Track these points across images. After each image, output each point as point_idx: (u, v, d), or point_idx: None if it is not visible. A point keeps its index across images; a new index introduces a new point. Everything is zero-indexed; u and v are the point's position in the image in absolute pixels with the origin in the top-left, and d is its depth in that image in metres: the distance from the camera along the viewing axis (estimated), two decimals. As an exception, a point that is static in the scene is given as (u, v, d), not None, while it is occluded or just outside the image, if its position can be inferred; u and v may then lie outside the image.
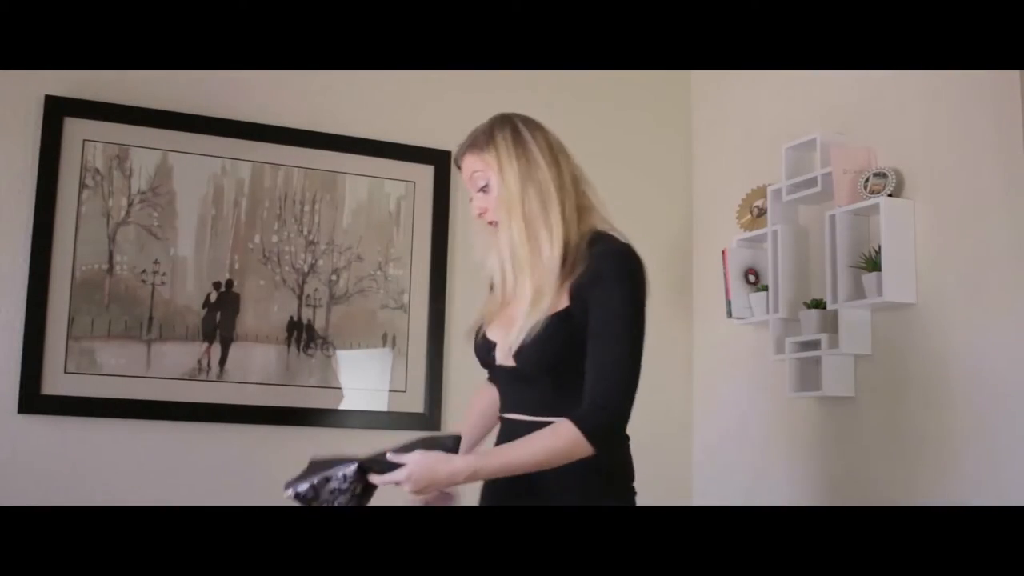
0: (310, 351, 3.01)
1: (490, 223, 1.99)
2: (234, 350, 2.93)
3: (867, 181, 2.68)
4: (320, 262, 3.05)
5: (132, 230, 2.87)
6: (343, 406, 3.02)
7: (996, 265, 2.42)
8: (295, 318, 3.01)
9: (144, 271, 2.87)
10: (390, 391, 3.07)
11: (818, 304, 2.79)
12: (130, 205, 2.88)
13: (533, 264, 1.91)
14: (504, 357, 1.95)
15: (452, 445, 1.85)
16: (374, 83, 3.16)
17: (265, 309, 2.98)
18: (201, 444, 2.86)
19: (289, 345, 2.99)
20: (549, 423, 1.85)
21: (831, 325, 2.75)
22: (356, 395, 3.03)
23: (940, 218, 2.57)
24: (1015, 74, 2.37)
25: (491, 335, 2.02)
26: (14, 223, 2.77)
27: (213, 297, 2.93)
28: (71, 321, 2.78)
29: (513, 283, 1.95)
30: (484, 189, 1.97)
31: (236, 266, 2.96)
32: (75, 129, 2.84)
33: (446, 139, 3.17)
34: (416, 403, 3.08)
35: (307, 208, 3.06)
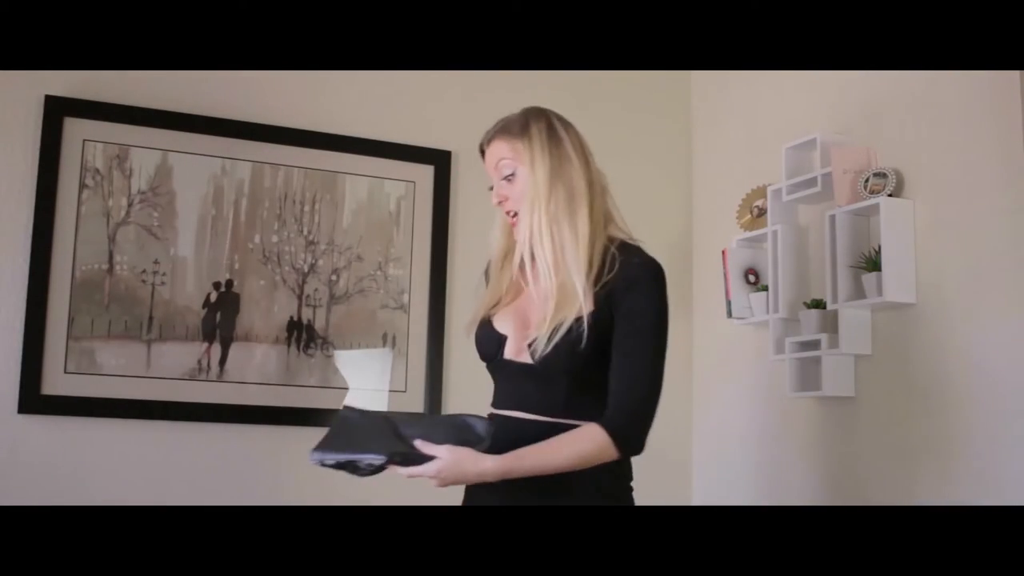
0: (310, 351, 3.01)
1: (508, 212, 1.96)
2: (234, 350, 2.93)
3: (867, 181, 2.68)
4: (320, 262, 3.05)
5: (132, 230, 2.87)
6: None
7: (996, 265, 2.42)
8: (295, 318, 3.01)
9: (144, 271, 2.87)
10: (390, 391, 3.07)
11: (818, 304, 2.79)
12: (130, 205, 2.88)
13: (555, 262, 1.89)
14: (517, 353, 1.93)
15: (484, 432, 1.82)
16: (374, 83, 3.16)
17: (265, 309, 2.98)
18: (201, 444, 2.86)
19: (289, 345, 2.99)
20: (566, 425, 1.85)
21: (831, 325, 2.75)
22: (356, 395, 3.03)
23: (940, 218, 2.57)
24: (1015, 74, 2.37)
25: (500, 327, 1.97)
26: (14, 223, 2.77)
27: (213, 297, 2.93)
28: (71, 321, 2.78)
29: (531, 277, 1.92)
30: (509, 178, 1.94)
31: (236, 266, 2.96)
32: (75, 129, 2.84)
33: (446, 139, 3.19)
34: (416, 403, 3.07)
35: (307, 208, 3.06)
